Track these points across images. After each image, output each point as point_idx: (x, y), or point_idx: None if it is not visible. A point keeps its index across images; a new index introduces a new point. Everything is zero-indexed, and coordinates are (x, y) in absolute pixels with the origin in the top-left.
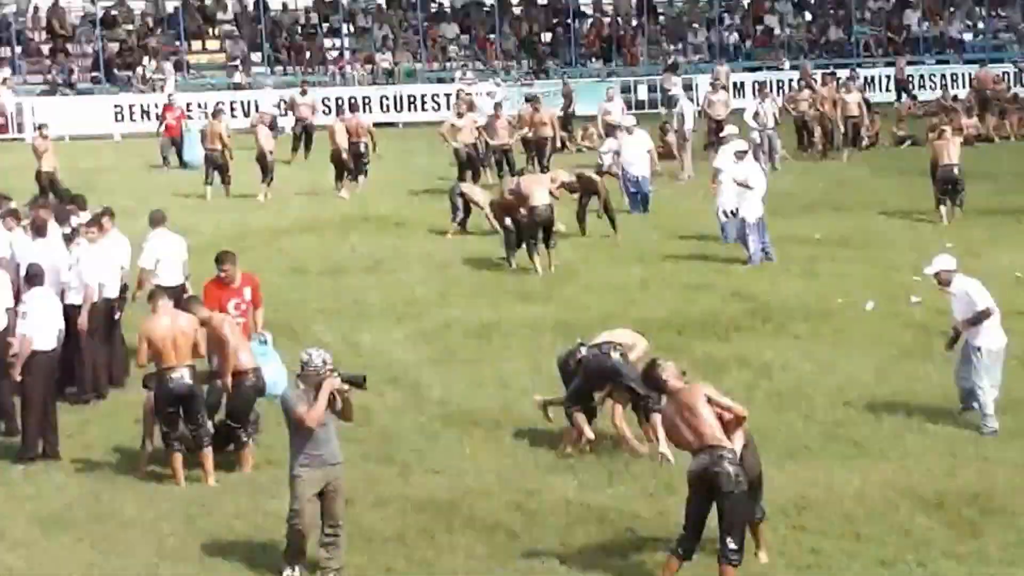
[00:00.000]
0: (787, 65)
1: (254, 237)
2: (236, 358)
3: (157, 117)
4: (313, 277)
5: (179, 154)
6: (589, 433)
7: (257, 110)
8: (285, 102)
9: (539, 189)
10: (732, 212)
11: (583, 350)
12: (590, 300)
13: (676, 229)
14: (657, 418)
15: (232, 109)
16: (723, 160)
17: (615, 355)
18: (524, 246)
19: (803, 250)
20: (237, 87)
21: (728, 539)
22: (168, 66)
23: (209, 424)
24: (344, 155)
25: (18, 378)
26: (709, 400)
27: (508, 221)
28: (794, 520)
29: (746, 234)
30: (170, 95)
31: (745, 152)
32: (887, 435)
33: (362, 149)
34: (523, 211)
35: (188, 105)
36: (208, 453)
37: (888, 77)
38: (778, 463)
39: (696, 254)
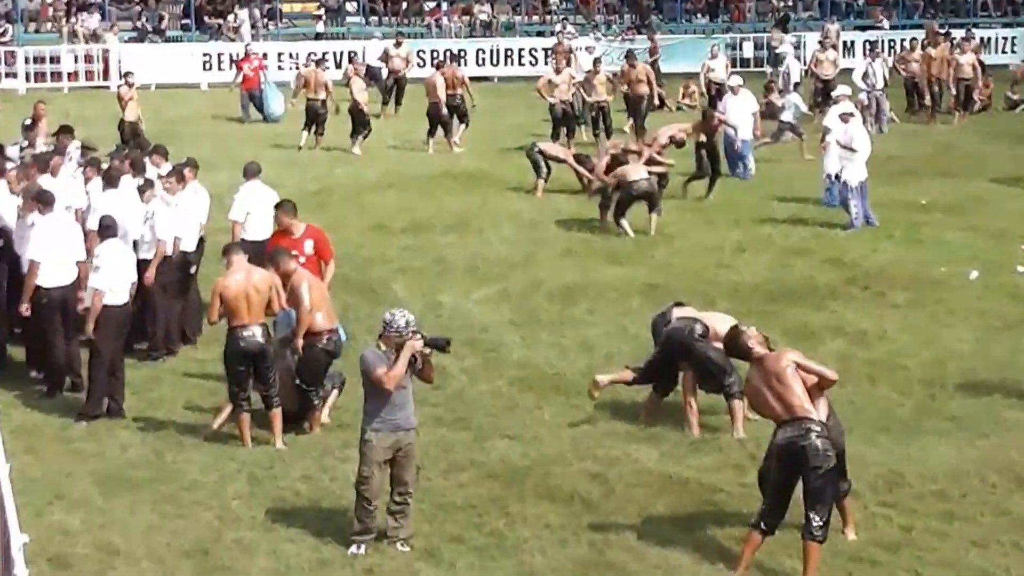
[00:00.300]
0: (887, 24)
1: (337, 192)
2: (312, 318)
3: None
4: (395, 234)
5: (259, 106)
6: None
7: (351, 61)
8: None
9: (637, 168)
10: (836, 176)
11: (676, 311)
12: (682, 263)
13: (775, 191)
14: (736, 403)
15: (324, 59)
16: (832, 120)
17: (696, 331)
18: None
19: (907, 216)
20: (319, 36)
21: (813, 515)
22: (243, 13)
23: (278, 385)
24: (443, 109)
25: (90, 333)
26: (797, 367)
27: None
28: (884, 497)
29: (848, 198)
30: (247, 45)
31: (851, 114)
32: (985, 410)
33: (457, 101)
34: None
35: (280, 56)
36: (277, 414)
37: (1005, 39)
38: (870, 437)
39: (795, 218)
